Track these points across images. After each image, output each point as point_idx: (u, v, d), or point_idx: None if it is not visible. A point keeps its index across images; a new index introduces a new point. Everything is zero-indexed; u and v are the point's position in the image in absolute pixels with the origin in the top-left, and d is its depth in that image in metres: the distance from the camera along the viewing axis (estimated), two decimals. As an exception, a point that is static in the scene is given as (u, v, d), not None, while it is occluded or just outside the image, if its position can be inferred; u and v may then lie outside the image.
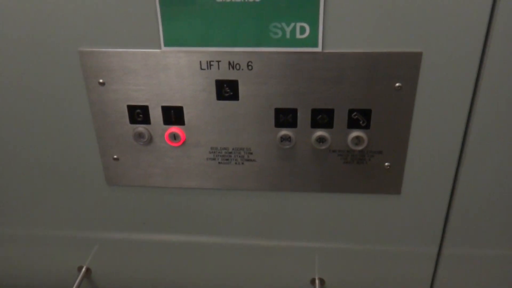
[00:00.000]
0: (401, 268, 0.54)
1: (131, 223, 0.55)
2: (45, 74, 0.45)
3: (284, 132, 0.46)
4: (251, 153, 0.48)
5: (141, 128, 0.47)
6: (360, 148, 0.45)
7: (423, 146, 0.45)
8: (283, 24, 0.41)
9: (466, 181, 0.47)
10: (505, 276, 0.54)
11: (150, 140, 0.48)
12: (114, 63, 0.44)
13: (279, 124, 0.45)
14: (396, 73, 0.42)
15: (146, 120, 0.47)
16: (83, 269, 0.59)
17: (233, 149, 0.48)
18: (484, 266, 0.53)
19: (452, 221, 0.50)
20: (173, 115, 0.46)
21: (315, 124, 0.45)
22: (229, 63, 0.43)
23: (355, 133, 0.45)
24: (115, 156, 0.49)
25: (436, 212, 0.49)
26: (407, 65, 0.41)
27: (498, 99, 0.42)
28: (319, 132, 0.45)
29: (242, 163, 0.48)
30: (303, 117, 0.45)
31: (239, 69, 0.43)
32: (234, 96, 0.44)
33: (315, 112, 0.44)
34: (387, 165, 0.47)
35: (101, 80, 0.45)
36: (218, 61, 0.43)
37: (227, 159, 0.48)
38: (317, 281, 0.56)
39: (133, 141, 0.48)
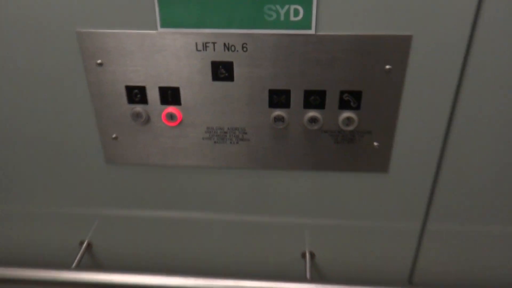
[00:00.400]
0: (387, 242, 0.56)
1: (129, 200, 0.55)
2: (44, 55, 0.45)
3: (277, 112, 0.46)
4: (246, 133, 0.48)
5: (138, 108, 0.47)
6: (350, 128, 0.46)
7: (411, 127, 0.46)
8: (278, 7, 0.41)
9: (451, 160, 0.48)
10: (487, 252, 0.55)
11: (148, 120, 0.48)
12: (111, 44, 0.44)
13: (272, 104, 0.46)
14: (387, 56, 0.42)
15: (143, 100, 0.47)
16: (85, 244, 0.60)
17: (228, 128, 0.48)
18: (467, 241, 0.55)
19: (436, 198, 0.51)
20: (170, 95, 0.47)
21: (308, 105, 0.46)
22: (225, 44, 0.43)
23: (346, 113, 0.46)
24: (114, 136, 0.50)
25: (422, 190, 0.51)
26: (397, 48, 0.42)
27: (484, 82, 0.43)
28: (311, 113, 0.46)
29: (237, 143, 0.49)
30: (296, 98, 0.45)
31: (234, 51, 0.43)
32: (229, 77, 0.45)
33: (307, 93, 0.45)
34: (376, 145, 0.48)
35: (99, 61, 0.45)
36: (214, 43, 0.43)
37: (222, 139, 0.49)
38: (307, 255, 0.57)
39: (131, 121, 0.49)
